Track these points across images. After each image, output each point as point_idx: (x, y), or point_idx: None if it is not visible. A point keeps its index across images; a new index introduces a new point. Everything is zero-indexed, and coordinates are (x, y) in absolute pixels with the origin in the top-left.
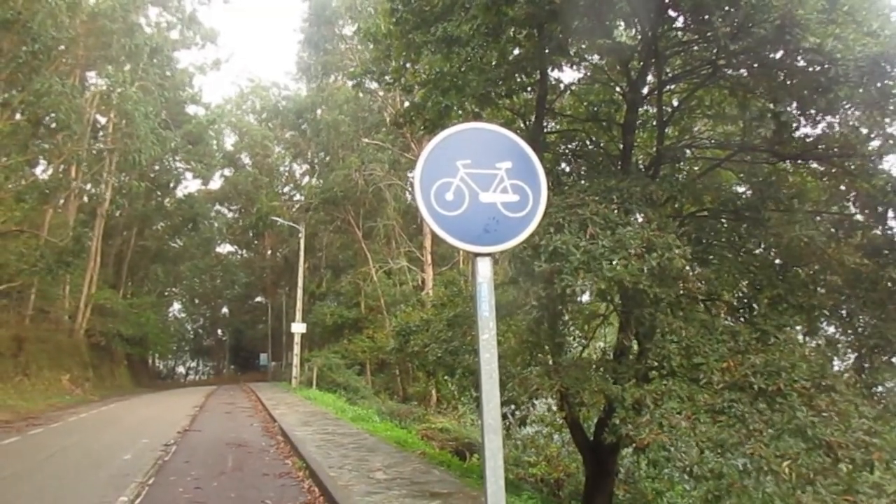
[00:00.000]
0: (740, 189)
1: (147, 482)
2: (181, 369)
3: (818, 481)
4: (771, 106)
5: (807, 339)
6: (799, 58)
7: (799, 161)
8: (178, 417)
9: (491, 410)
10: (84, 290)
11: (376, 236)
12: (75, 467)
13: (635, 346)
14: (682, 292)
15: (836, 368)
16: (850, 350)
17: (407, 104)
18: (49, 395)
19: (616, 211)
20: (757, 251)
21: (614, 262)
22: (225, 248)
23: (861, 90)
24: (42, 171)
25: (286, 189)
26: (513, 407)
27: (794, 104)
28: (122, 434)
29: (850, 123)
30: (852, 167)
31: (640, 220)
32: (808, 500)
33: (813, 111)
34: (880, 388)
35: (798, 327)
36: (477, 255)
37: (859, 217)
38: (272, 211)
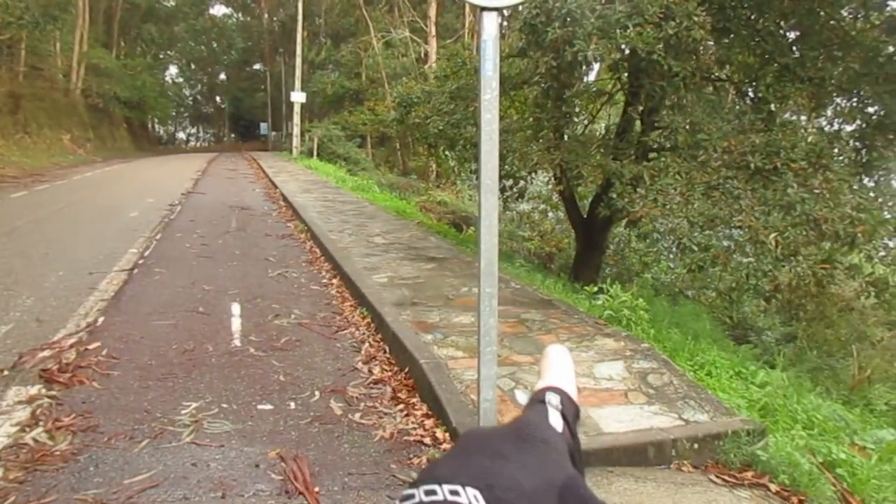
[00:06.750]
0: None
1: (154, 237)
2: (181, 135)
3: (801, 252)
4: None
5: (810, 122)
6: None
7: None
8: (181, 180)
9: (489, 171)
10: (75, 48)
11: (378, 3)
12: (84, 221)
13: (638, 126)
14: (694, 68)
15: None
16: (852, 139)
17: None
18: (51, 153)
19: None
20: (773, 28)
21: (629, 30)
22: (219, 10)
23: None
24: None
25: None
26: (511, 181)
27: None
28: (127, 193)
29: None
30: None
31: None
32: (787, 271)
33: None
34: (877, 174)
35: (804, 117)
36: (483, 8)
37: None
38: None
